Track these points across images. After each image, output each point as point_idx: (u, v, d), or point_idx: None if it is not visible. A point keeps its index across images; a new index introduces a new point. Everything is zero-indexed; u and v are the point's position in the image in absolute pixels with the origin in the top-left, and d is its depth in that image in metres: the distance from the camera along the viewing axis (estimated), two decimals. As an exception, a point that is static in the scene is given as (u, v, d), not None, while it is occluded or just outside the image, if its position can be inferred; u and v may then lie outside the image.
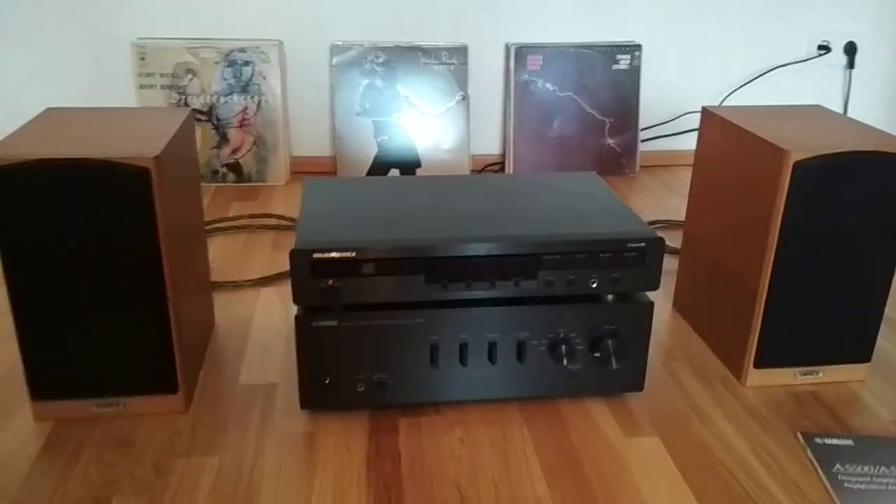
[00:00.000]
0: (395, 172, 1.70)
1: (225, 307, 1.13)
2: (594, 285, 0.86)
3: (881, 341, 1.05)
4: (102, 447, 0.83)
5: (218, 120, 1.64)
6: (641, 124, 1.78)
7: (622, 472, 0.81)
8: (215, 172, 1.66)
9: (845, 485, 0.80)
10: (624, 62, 1.74)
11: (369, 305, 0.85)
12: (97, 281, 0.81)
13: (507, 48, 1.72)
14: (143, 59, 1.61)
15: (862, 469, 0.82)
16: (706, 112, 1.04)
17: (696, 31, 1.77)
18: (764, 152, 0.90)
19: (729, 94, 1.82)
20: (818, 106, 1.07)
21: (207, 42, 1.62)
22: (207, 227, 1.41)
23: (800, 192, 0.87)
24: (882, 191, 0.89)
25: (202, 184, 1.64)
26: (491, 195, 0.96)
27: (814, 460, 0.83)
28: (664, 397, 0.94)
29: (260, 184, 1.67)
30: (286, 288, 1.15)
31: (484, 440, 0.86)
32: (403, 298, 0.85)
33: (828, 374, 0.97)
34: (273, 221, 1.45)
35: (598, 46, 1.73)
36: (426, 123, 1.70)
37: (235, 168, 1.66)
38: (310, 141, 1.73)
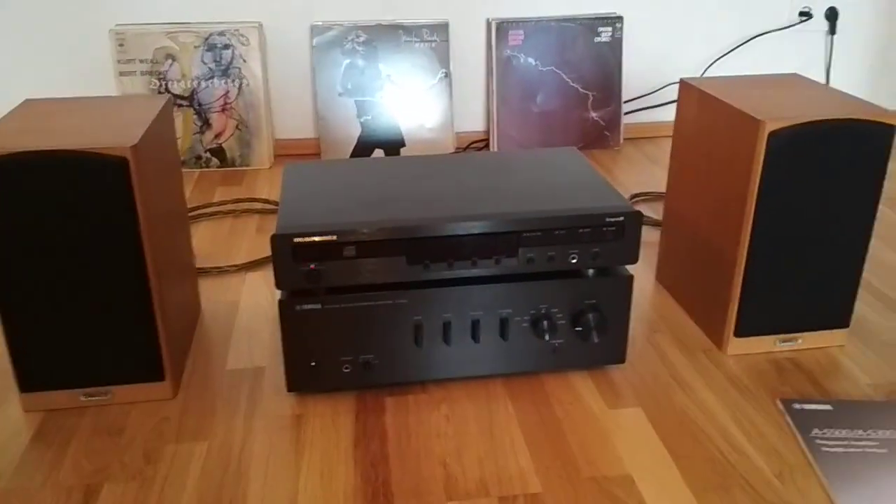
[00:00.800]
0: (379, 152, 1.70)
1: (211, 293, 1.14)
2: (574, 260, 0.87)
3: (860, 306, 1.07)
4: (92, 436, 0.84)
5: (199, 105, 1.63)
6: (625, 97, 1.78)
7: (605, 442, 0.83)
8: (199, 158, 1.65)
9: (822, 448, 0.81)
10: (606, 34, 1.73)
11: (352, 288, 0.85)
12: (80, 271, 0.82)
13: (488, 23, 1.71)
14: (121, 45, 1.60)
15: (839, 433, 0.84)
16: (684, 84, 1.05)
17: (677, 2, 1.77)
18: (740, 123, 0.91)
19: (711, 65, 1.82)
20: (795, 74, 1.07)
21: (186, 26, 1.61)
22: (192, 213, 1.41)
23: (775, 161, 0.88)
24: (857, 158, 0.90)
25: (186, 169, 1.64)
26: (471, 174, 0.97)
27: (792, 425, 0.85)
28: (646, 369, 0.96)
29: (244, 168, 1.66)
30: (271, 272, 1.15)
31: (469, 417, 0.87)
32: (386, 280, 0.85)
33: (807, 341, 0.99)
34: (258, 206, 1.46)
35: (580, 19, 1.72)
36: (409, 102, 1.70)
37: (219, 153, 1.66)
38: (293, 123, 1.73)
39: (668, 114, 1.81)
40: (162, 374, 0.88)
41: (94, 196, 0.79)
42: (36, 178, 0.78)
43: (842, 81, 1.87)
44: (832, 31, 1.84)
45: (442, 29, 1.68)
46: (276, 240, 0.82)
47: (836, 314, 0.98)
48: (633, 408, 0.88)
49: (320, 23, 1.65)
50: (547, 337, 0.89)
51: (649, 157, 1.72)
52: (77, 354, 0.85)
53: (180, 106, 1.63)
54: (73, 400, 0.88)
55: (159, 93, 1.61)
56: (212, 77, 1.62)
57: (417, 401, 0.90)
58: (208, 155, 1.65)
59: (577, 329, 0.90)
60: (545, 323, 0.89)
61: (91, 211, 0.80)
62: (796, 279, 0.95)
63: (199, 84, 1.62)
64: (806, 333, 0.99)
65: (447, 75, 1.70)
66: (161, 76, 1.61)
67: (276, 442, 0.83)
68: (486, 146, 1.77)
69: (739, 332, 0.97)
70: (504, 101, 1.73)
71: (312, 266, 0.83)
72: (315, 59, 1.66)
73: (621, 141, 1.79)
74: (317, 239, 0.82)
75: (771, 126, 0.87)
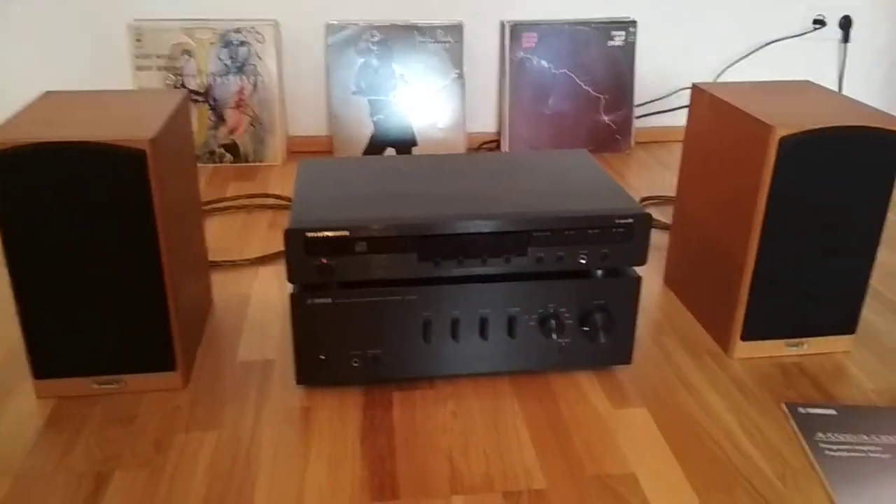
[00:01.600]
0: (391, 151, 1.72)
1: (223, 286, 1.15)
2: (583, 261, 0.88)
3: (866, 313, 1.07)
4: (103, 423, 0.85)
5: (214, 101, 1.65)
6: (636, 101, 1.78)
7: (610, 441, 0.84)
8: (213, 153, 1.67)
9: (826, 452, 0.82)
10: (619, 38, 1.74)
11: (363, 283, 0.87)
12: (96, 261, 0.83)
13: (502, 26, 1.72)
14: (139, 40, 1.62)
15: (843, 437, 0.84)
16: (696, 88, 1.05)
17: (690, 7, 1.77)
18: (751, 128, 0.91)
19: (723, 71, 1.83)
20: (807, 81, 1.08)
21: (203, 23, 1.63)
22: (205, 208, 1.43)
23: (786, 167, 0.89)
24: (867, 165, 0.90)
25: (200, 164, 1.65)
26: (483, 173, 0.98)
27: (796, 429, 0.85)
28: (652, 370, 0.96)
29: (257, 164, 1.68)
30: (283, 267, 1.17)
31: (475, 413, 0.88)
32: (396, 276, 0.86)
33: (813, 346, 0.99)
34: (270, 201, 1.47)
35: (593, 23, 1.73)
36: (422, 102, 1.71)
37: (233, 148, 1.67)
38: (306, 121, 1.74)
39: (680, 119, 1.82)
40: (174, 364, 0.90)
41: (111, 188, 0.81)
42: (55, 169, 0.79)
43: (855, 90, 1.87)
44: (846, 39, 1.84)
45: (456, 30, 1.69)
46: (289, 234, 0.83)
47: (843, 320, 0.99)
48: (639, 408, 0.89)
49: (335, 22, 1.67)
50: (554, 336, 0.90)
51: (660, 161, 1.72)
52: (90, 343, 0.87)
53: (195, 101, 1.64)
54: (86, 388, 0.89)
55: (175, 88, 1.63)
56: (227, 74, 1.64)
57: (424, 396, 0.91)
58: (222, 150, 1.67)
59: (584, 329, 0.91)
60: (553, 322, 0.90)
61: (108, 202, 0.81)
62: (804, 285, 0.95)
63: (214, 80, 1.64)
64: (812, 339, 0.99)
65: (460, 76, 1.71)
66: (177, 72, 1.63)
67: (284, 433, 0.84)
68: (498, 147, 1.78)
69: (746, 336, 0.97)
70: (516, 102, 1.74)
71: (324, 261, 0.84)
72: (329, 58, 1.68)
73: (632, 145, 1.79)
74: (329, 234, 0.83)
75: (782, 132, 0.87)
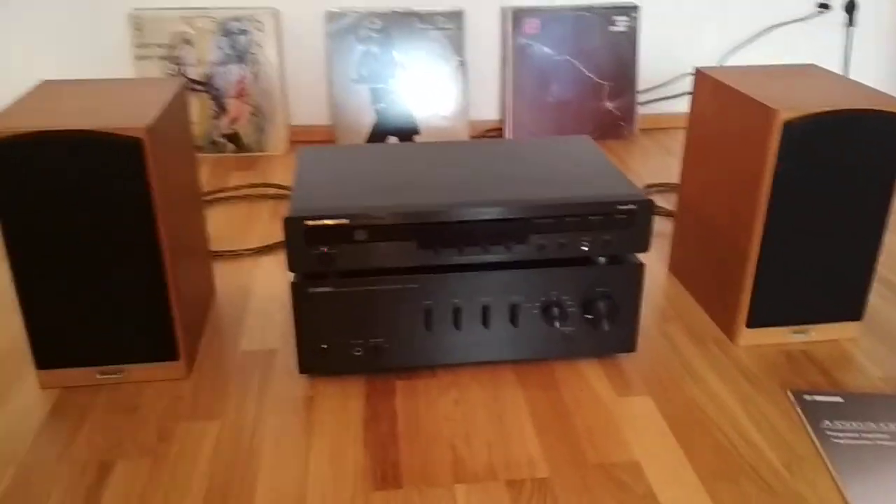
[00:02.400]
0: (393, 140, 1.71)
1: (225, 276, 1.15)
2: (585, 248, 0.87)
3: (873, 299, 1.06)
4: (106, 413, 0.85)
5: (216, 90, 1.64)
6: (639, 87, 1.77)
7: (614, 429, 0.83)
8: (214, 143, 1.66)
9: (832, 440, 0.81)
10: (621, 24, 1.72)
11: (364, 271, 0.86)
12: (97, 250, 0.83)
13: (504, 12, 1.71)
14: (139, 29, 1.61)
15: (850, 425, 0.84)
16: (699, 73, 1.04)
17: (694, -9, 1.76)
18: (754, 112, 0.90)
19: (727, 55, 1.81)
20: (812, 65, 1.06)
21: (203, 11, 1.61)
22: (208, 197, 1.42)
23: (789, 151, 0.88)
24: (872, 148, 0.89)
25: (202, 154, 1.65)
26: (484, 160, 0.97)
27: (802, 416, 0.85)
28: (657, 358, 0.96)
29: (259, 153, 1.67)
30: (285, 256, 1.16)
31: (478, 402, 0.88)
32: (397, 264, 0.86)
33: (819, 333, 0.99)
34: (272, 191, 1.46)
35: (595, 8, 1.71)
36: (424, 90, 1.70)
37: (234, 138, 1.66)
38: (308, 109, 1.73)
39: (684, 105, 1.81)
40: (176, 354, 0.89)
41: (109, 176, 0.80)
42: (52, 158, 0.79)
43: (860, 73, 1.85)
44: (851, 22, 1.82)
45: (457, 17, 1.68)
46: (288, 222, 0.82)
47: (849, 306, 0.98)
48: (643, 396, 0.89)
49: (336, 9, 1.65)
50: (557, 324, 0.89)
51: (664, 147, 1.71)
52: (93, 333, 0.87)
53: (196, 91, 1.64)
54: (89, 377, 0.89)
55: (174, 77, 1.62)
56: (227, 63, 1.63)
57: (427, 385, 0.90)
58: (224, 140, 1.66)
59: (587, 317, 0.90)
60: (556, 310, 0.89)
61: (107, 191, 0.81)
62: (809, 271, 0.94)
63: (214, 69, 1.63)
64: (818, 325, 0.98)
65: (462, 63, 1.69)
66: (177, 61, 1.62)
67: (286, 422, 0.84)
68: (501, 135, 1.77)
69: (751, 323, 0.97)
70: (519, 89, 1.72)
71: (325, 249, 0.84)
72: (330, 46, 1.67)
73: (636, 131, 1.78)
74: (329, 222, 0.83)
75: (786, 115, 0.86)
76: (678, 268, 1.15)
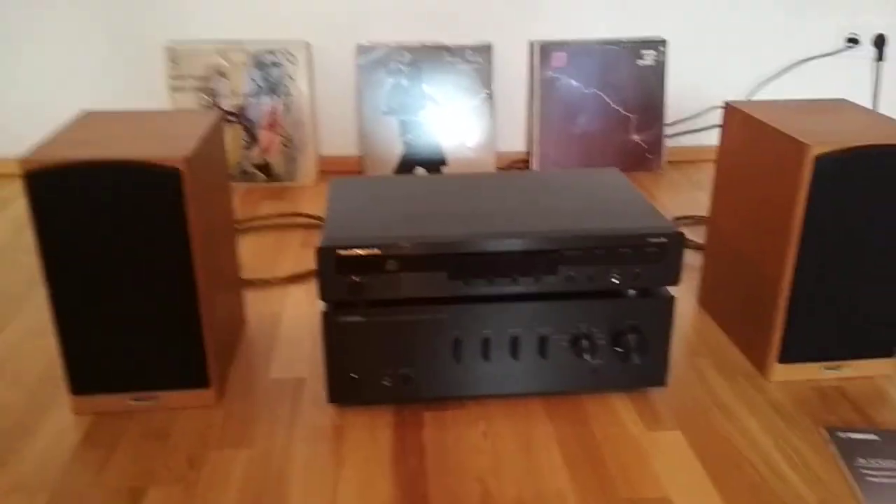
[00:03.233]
0: (421, 171, 1.72)
1: (256, 304, 1.16)
2: (615, 280, 0.87)
3: (908, 336, 1.05)
4: (138, 439, 0.86)
5: (248, 121, 1.67)
6: (667, 120, 1.77)
7: (644, 465, 0.82)
8: (245, 172, 1.69)
9: (868, 478, 0.80)
10: (649, 57, 1.73)
11: (394, 301, 0.87)
12: (132, 279, 0.84)
13: (531, 45, 1.73)
14: (174, 61, 1.65)
15: (886, 463, 0.82)
16: (729, 107, 1.05)
17: (721, 25, 1.76)
18: (785, 146, 0.90)
19: (756, 89, 1.81)
20: (842, 100, 1.06)
21: (237, 44, 1.65)
22: (239, 226, 1.44)
23: (821, 185, 0.87)
24: (906, 184, 0.89)
25: (233, 183, 1.67)
26: (513, 192, 0.97)
27: (837, 454, 0.83)
28: (687, 392, 0.95)
29: (289, 183, 1.70)
30: (314, 285, 1.18)
31: (507, 434, 0.87)
32: (427, 294, 0.86)
33: (853, 369, 0.97)
34: (302, 220, 1.48)
35: (623, 42, 1.73)
36: (452, 122, 1.71)
37: (265, 168, 1.69)
38: (337, 140, 1.76)
39: (712, 138, 1.81)
40: (207, 382, 0.90)
41: (148, 206, 0.82)
42: (92, 188, 0.81)
43: (890, 107, 1.84)
44: (880, 57, 1.81)
45: (485, 50, 1.70)
46: (321, 251, 0.83)
47: (883, 343, 0.97)
48: (673, 431, 0.88)
49: (366, 43, 1.68)
50: (587, 357, 0.89)
51: (692, 180, 1.71)
52: (127, 360, 0.88)
53: (229, 122, 1.67)
54: (122, 404, 0.90)
55: (209, 108, 1.65)
56: (260, 94, 1.66)
57: (455, 416, 0.90)
58: (255, 170, 1.69)
59: (617, 350, 0.90)
60: (585, 342, 0.89)
61: (145, 220, 0.83)
62: (842, 306, 0.93)
63: (247, 101, 1.66)
64: (852, 361, 0.97)
65: (490, 96, 1.71)
66: (211, 92, 1.66)
67: (315, 452, 0.84)
68: (527, 166, 1.78)
69: (783, 359, 0.96)
70: (546, 122, 1.74)
71: (355, 278, 0.84)
72: (360, 79, 1.69)
73: (663, 164, 1.78)
74: (360, 252, 0.84)
75: (817, 150, 0.86)
76: (708, 301, 1.14)
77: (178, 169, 0.81)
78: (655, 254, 0.87)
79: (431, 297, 0.87)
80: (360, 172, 1.74)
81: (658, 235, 0.86)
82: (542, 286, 0.87)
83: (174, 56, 1.64)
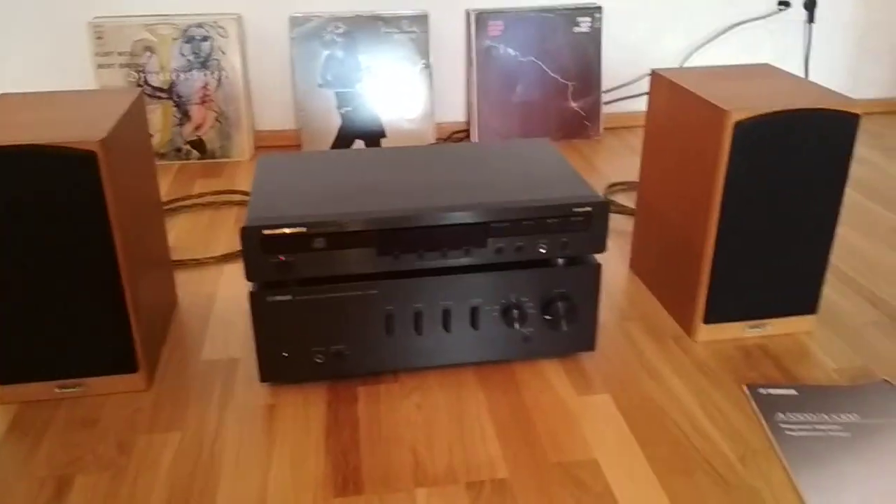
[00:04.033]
0: (360, 143, 1.71)
1: (189, 285, 1.14)
2: (543, 250, 0.88)
3: (828, 292, 1.09)
4: (66, 427, 0.85)
5: (179, 97, 1.63)
6: (604, 87, 1.79)
7: (573, 429, 0.84)
8: (178, 150, 1.65)
9: (786, 432, 0.83)
10: (585, 24, 1.74)
11: (323, 279, 0.86)
12: (53, 264, 0.82)
13: (468, 14, 1.72)
14: (100, 38, 1.59)
15: (804, 417, 0.85)
16: (655, 74, 1.06)
17: (655, -9, 1.78)
18: (707, 113, 0.92)
19: (690, 55, 1.83)
20: (766, 65, 1.08)
21: (165, 18, 1.61)
22: (171, 206, 1.41)
23: (741, 150, 0.89)
24: (823, 147, 0.91)
25: (166, 162, 1.64)
26: (442, 165, 0.97)
27: (757, 410, 0.86)
28: (617, 356, 0.97)
29: (224, 160, 1.67)
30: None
31: (440, 405, 0.88)
32: (357, 271, 0.86)
33: (776, 327, 1.00)
34: (237, 197, 1.46)
35: (559, 10, 1.72)
36: (389, 93, 1.70)
37: (199, 145, 1.66)
38: (273, 115, 1.73)
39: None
40: (135, 366, 0.89)
41: (64, 190, 0.80)
42: (6, 172, 0.78)
43: (821, 70, 1.88)
44: (811, 19, 1.85)
45: (421, 20, 1.68)
46: (245, 232, 0.82)
47: (804, 300, 1.00)
48: (602, 394, 0.90)
49: (299, 14, 1.65)
50: (517, 326, 0.90)
51: (629, 146, 1.73)
52: (51, 347, 0.86)
53: (160, 98, 1.63)
54: (48, 392, 0.88)
55: (138, 85, 1.61)
56: (191, 69, 1.62)
57: (389, 390, 0.91)
58: (188, 147, 1.66)
59: (546, 317, 0.91)
60: (515, 312, 0.90)
61: (62, 205, 0.80)
62: (764, 266, 0.96)
63: (177, 76, 1.62)
64: (774, 319, 1.00)
65: (427, 66, 1.70)
66: (140, 68, 1.61)
67: (248, 432, 0.84)
68: (467, 137, 1.78)
69: (708, 319, 0.98)
70: (484, 91, 1.73)
71: (282, 258, 0.84)
72: (294, 51, 1.66)
73: (601, 131, 1.79)
74: (286, 231, 0.83)
75: (736, 116, 0.88)
76: (638, 266, 1.16)
77: (93, 152, 0.79)
78: (581, 223, 0.88)
79: (361, 273, 0.86)
80: (297, 147, 1.71)
81: (583, 205, 0.87)
82: (471, 259, 0.88)
83: (99, 32, 1.59)
